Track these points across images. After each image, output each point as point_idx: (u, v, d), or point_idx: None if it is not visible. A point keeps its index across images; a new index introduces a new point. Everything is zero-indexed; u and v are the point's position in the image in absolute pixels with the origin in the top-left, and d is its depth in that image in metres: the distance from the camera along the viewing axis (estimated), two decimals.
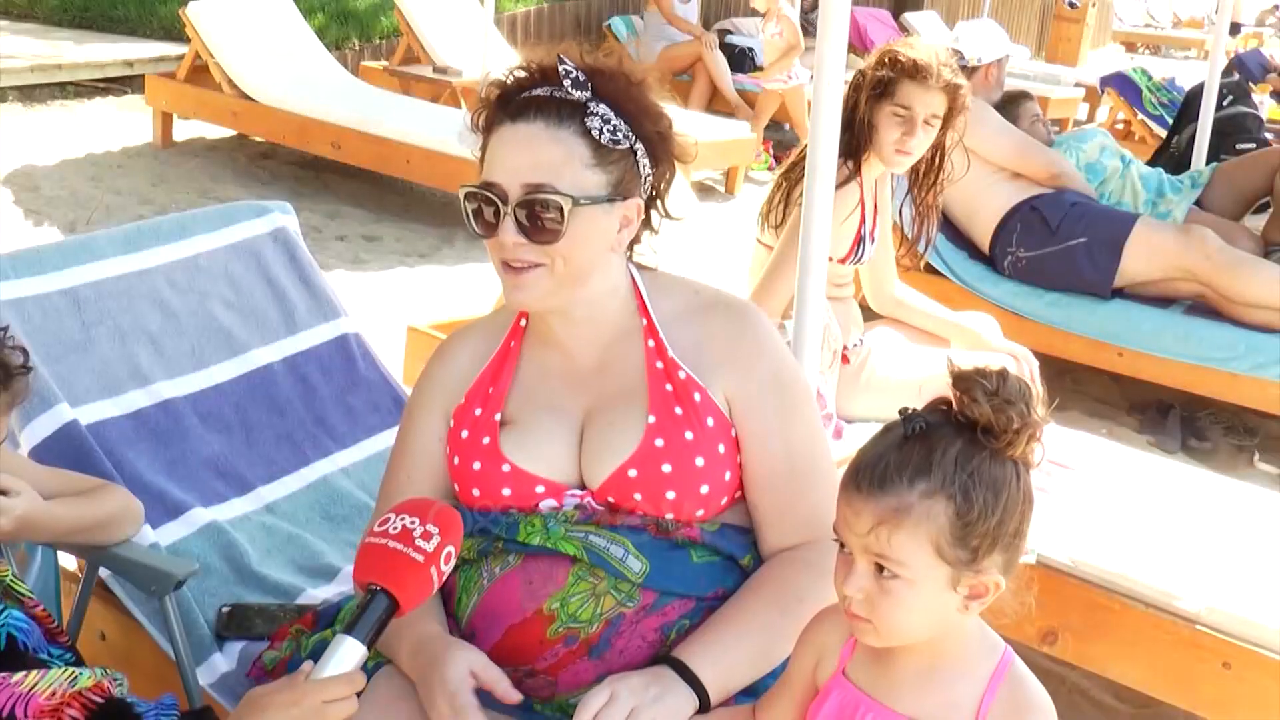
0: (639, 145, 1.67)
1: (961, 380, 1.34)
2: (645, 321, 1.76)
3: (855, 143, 3.13)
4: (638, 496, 1.69)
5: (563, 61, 1.65)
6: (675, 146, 1.75)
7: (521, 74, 1.69)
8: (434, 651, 1.60)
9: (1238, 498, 3.13)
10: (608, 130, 1.63)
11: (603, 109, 1.64)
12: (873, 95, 3.10)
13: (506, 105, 1.66)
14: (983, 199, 4.62)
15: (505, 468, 1.72)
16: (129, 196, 6.38)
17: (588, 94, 1.64)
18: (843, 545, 1.38)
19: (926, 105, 3.08)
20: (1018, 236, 4.56)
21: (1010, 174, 4.60)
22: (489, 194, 1.63)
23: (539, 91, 1.65)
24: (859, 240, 3.26)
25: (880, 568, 1.33)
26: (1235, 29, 18.32)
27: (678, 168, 1.79)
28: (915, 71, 3.07)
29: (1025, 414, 1.32)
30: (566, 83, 1.64)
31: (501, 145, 1.65)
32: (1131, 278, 4.46)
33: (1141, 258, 4.43)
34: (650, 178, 1.71)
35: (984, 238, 4.68)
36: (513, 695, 1.57)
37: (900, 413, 1.38)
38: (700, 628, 1.66)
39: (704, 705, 1.58)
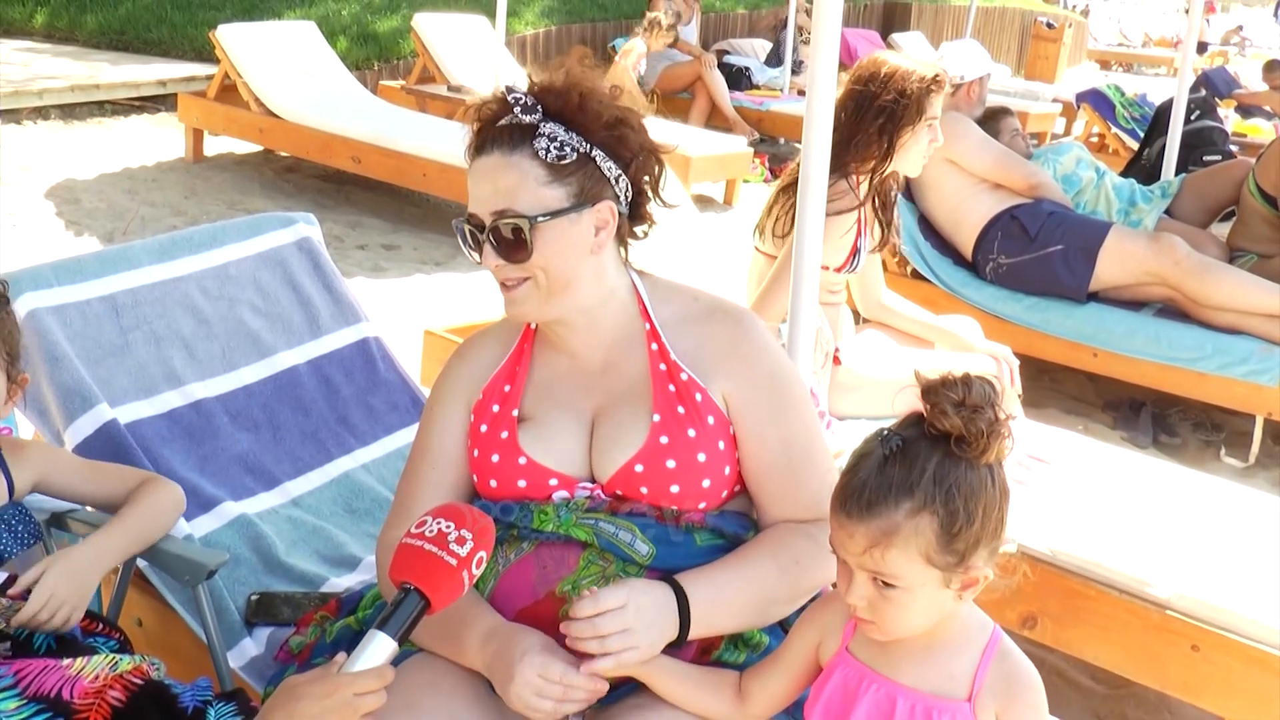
0: (596, 152, 1.68)
1: (929, 392, 1.33)
2: (648, 326, 1.77)
3: (867, 160, 3.13)
4: (644, 490, 1.70)
5: (510, 90, 1.69)
6: (644, 143, 1.74)
7: (488, 107, 1.71)
8: (505, 634, 1.60)
9: (1205, 490, 3.12)
10: (554, 148, 1.64)
11: (550, 128, 1.65)
12: (900, 115, 3.09)
13: (478, 139, 1.70)
14: (965, 209, 4.61)
15: (521, 460, 1.73)
16: (162, 208, 6.39)
17: (537, 116, 1.66)
18: (840, 557, 1.39)
19: (939, 109, 3.14)
20: (999, 244, 4.56)
21: (991, 185, 4.58)
22: (470, 225, 1.69)
23: (501, 122, 1.67)
24: (854, 252, 3.26)
25: (879, 581, 1.34)
26: (1203, 48, 18.35)
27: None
28: (938, 83, 3.12)
29: (994, 418, 1.32)
30: (516, 109, 1.67)
31: (472, 179, 1.70)
32: (1105, 282, 4.46)
33: (1114, 263, 4.42)
34: (623, 177, 1.71)
35: (967, 245, 4.67)
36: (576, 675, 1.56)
37: (876, 434, 1.38)
38: (703, 568, 1.67)
39: (681, 638, 1.60)
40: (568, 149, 1.65)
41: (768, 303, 3.06)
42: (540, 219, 1.64)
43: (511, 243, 1.65)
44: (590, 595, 1.54)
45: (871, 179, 3.17)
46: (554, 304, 1.71)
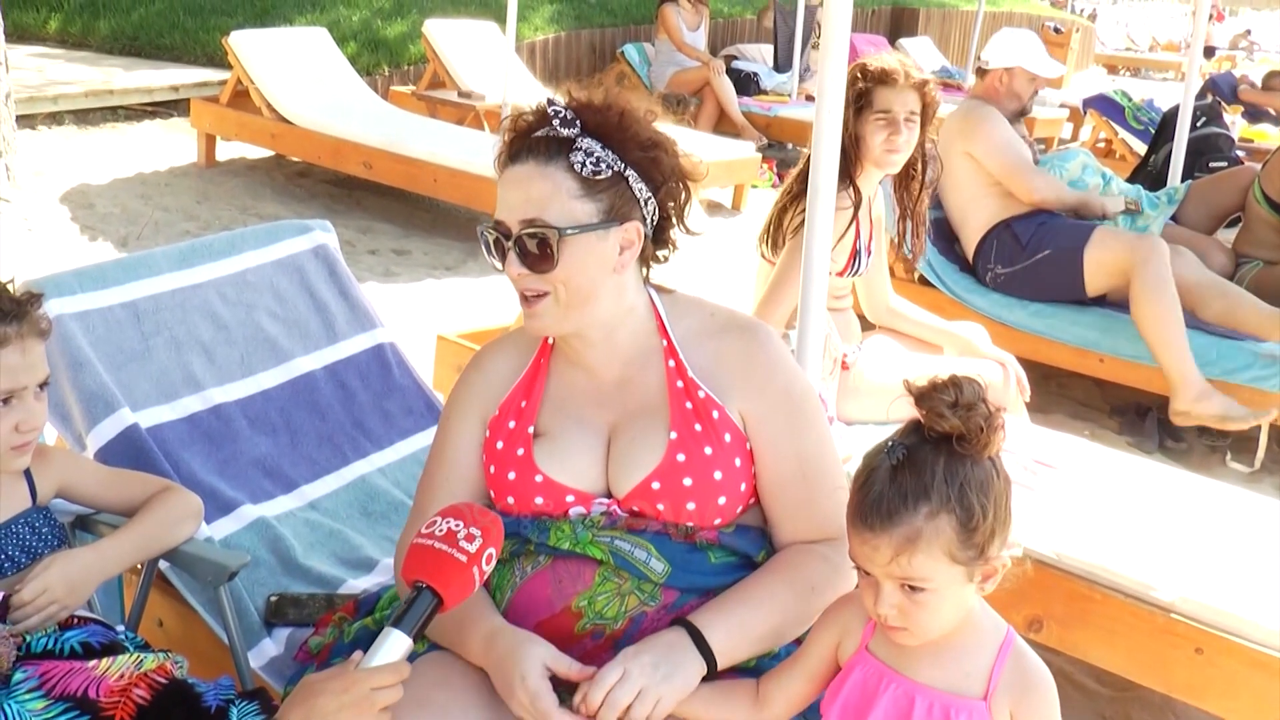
0: (630, 172, 1.70)
1: (924, 399, 1.38)
2: (665, 342, 1.78)
3: (845, 160, 3.15)
4: (660, 506, 1.71)
5: (551, 103, 1.70)
6: (676, 168, 1.76)
7: (525, 119, 1.73)
8: (508, 645, 1.61)
9: (1210, 495, 3.14)
10: (590, 163, 1.65)
11: (588, 143, 1.67)
12: (855, 110, 3.13)
13: (511, 148, 1.72)
14: (972, 208, 4.60)
15: (538, 478, 1.74)
16: (176, 213, 6.43)
17: (575, 130, 1.67)
18: (864, 571, 1.42)
19: (903, 104, 3.14)
20: (995, 254, 4.56)
21: (1002, 189, 4.54)
22: (496, 231, 1.70)
23: (538, 133, 1.69)
24: (855, 254, 3.28)
25: (907, 586, 1.38)
26: (1210, 52, 18.32)
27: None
28: (884, 77, 3.14)
29: (988, 412, 1.37)
30: (555, 122, 1.68)
31: (503, 186, 1.71)
32: (1099, 287, 4.43)
33: (1097, 263, 4.38)
34: (651, 200, 1.73)
35: (969, 249, 4.68)
36: (586, 671, 1.59)
37: (879, 447, 1.42)
38: (716, 599, 1.68)
39: (711, 672, 1.61)
40: (603, 165, 1.66)
41: (768, 310, 3.09)
42: (569, 231, 1.65)
43: (537, 253, 1.66)
44: (590, 681, 1.56)
45: (850, 180, 3.17)
46: (572, 318, 1.72)
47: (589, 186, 1.67)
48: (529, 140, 1.69)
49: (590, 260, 1.68)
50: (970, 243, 4.66)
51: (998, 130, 4.46)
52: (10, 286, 1.85)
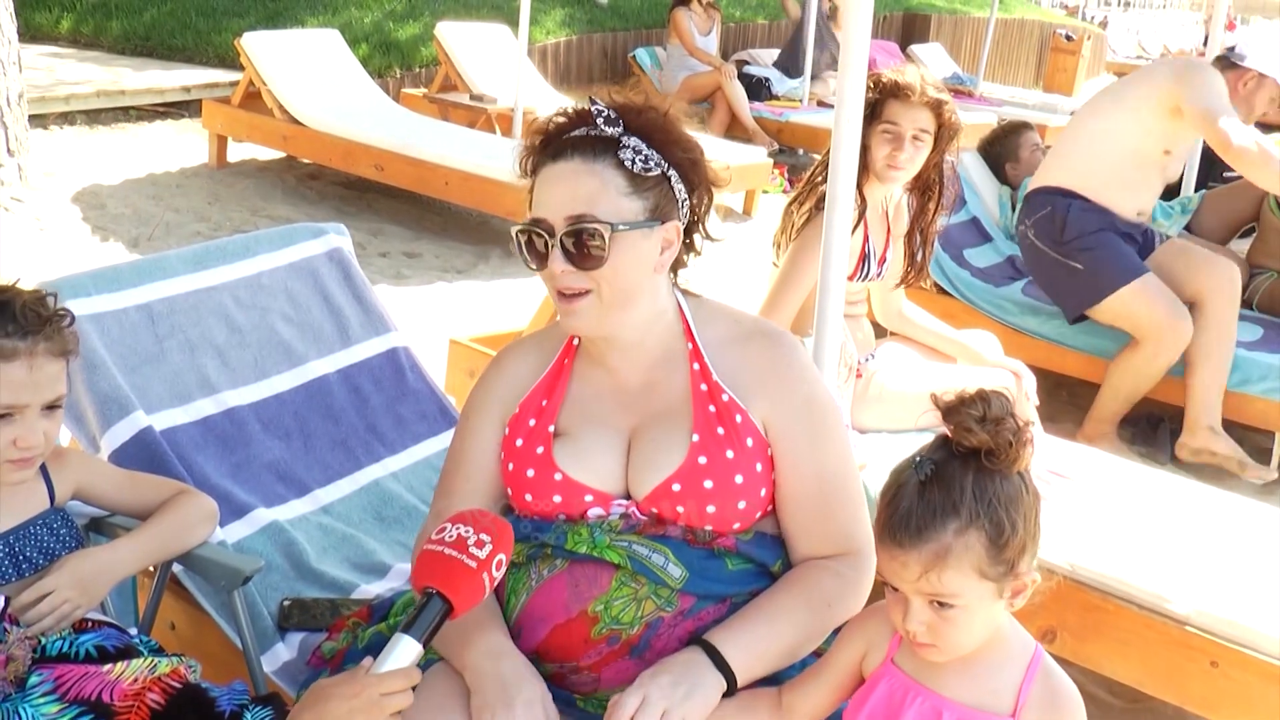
0: (672, 171, 1.71)
1: (951, 413, 1.37)
2: (691, 346, 1.79)
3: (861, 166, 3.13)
4: (680, 509, 1.71)
5: (594, 102, 1.71)
6: (708, 172, 1.78)
7: (560, 119, 1.73)
8: (515, 669, 1.61)
9: (1224, 507, 3.13)
10: (640, 160, 1.67)
11: (634, 141, 1.68)
12: (865, 119, 3.09)
13: (547, 148, 1.71)
14: (1077, 155, 4.24)
15: (557, 476, 1.74)
16: (187, 214, 6.43)
17: (619, 129, 1.69)
18: (892, 587, 1.42)
19: (913, 121, 3.12)
20: (1038, 218, 4.31)
21: (1117, 175, 4.17)
22: (537, 229, 1.68)
23: (576, 132, 1.70)
24: (863, 258, 3.28)
25: (936, 602, 1.37)
26: None
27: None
28: (898, 90, 3.11)
29: (1016, 426, 1.36)
30: (600, 120, 1.69)
31: (545, 183, 1.70)
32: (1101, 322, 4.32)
33: (1109, 314, 4.23)
34: (687, 202, 1.74)
35: (1047, 178, 4.33)
36: None
37: (907, 462, 1.41)
38: (733, 617, 1.68)
39: (730, 689, 1.61)
40: (651, 162, 1.68)
41: (771, 313, 3.09)
42: (620, 227, 1.66)
43: (587, 250, 1.66)
44: (613, 707, 1.55)
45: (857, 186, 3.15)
46: (612, 318, 1.72)
47: (637, 183, 1.68)
48: (570, 139, 1.69)
49: (635, 258, 1.69)
50: (1046, 179, 4.33)
51: (1220, 83, 4.00)
52: (50, 301, 1.81)
